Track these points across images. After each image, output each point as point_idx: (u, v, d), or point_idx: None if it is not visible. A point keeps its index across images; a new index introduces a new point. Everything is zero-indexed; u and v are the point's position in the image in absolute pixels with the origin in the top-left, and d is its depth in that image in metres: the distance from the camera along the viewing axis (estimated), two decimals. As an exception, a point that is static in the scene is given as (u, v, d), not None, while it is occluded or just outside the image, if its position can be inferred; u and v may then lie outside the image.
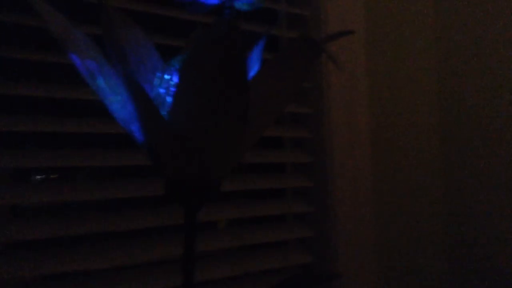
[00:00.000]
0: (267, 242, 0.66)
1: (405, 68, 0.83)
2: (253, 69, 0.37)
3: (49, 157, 0.52)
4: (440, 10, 0.87)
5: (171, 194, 0.32)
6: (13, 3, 0.52)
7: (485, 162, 0.81)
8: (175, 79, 0.32)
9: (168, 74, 0.33)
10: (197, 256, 0.35)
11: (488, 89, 0.81)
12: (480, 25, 0.82)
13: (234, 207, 0.65)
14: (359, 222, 0.72)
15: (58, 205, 0.63)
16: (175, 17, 0.60)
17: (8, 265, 0.49)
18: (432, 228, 0.84)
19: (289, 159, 0.72)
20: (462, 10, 0.85)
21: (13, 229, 0.50)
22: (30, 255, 0.51)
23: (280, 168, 0.74)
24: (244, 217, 0.67)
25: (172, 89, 0.32)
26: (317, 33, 0.70)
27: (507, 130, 0.78)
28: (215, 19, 0.26)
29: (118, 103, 0.33)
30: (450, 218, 0.85)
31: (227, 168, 0.33)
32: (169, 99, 0.32)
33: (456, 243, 0.84)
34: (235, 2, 0.34)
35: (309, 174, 0.72)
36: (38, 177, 0.65)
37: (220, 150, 0.30)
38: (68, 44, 0.30)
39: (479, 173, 0.81)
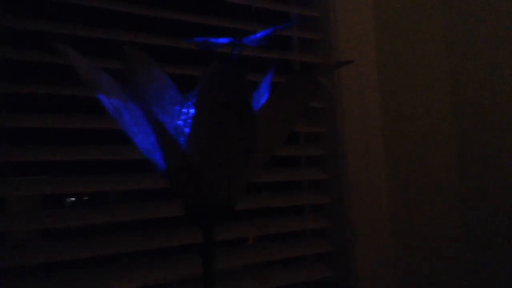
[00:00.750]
0: (286, 257, 0.69)
1: (416, 82, 0.85)
2: (264, 96, 0.41)
3: (80, 183, 0.57)
4: (449, 18, 0.89)
5: (189, 216, 0.36)
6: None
7: (498, 155, 0.82)
8: (192, 112, 0.36)
9: (185, 108, 0.36)
10: (220, 273, 0.38)
11: (498, 83, 0.82)
12: (489, 24, 0.84)
13: (253, 225, 0.68)
14: (377, 236, 0.73)
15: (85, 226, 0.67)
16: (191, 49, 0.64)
17: (39, 286, 0.53)
18: (451, 235, 0.85)
19: (305, 176, 0.75)
20: (471, 13, 0.87)
21: (45, 250, 0.54)
22: (60, 275, 0.55)
23: (296, 185, 0.77)
24: (263, 234, 0.70)
25: (189, 121, 0.36)
26: (328, 56, 0.73)
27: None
28: (224, 60, 0.30)
29: (142, 135, 0.37)
30: (466, 217, 0.86)
31: (238, 191, 0.36)
32: (187, 130, 0.36)
33: (475, 251, 0.85)
34: (244, 40, 0.38)
35: (325, 190, 0.74)
36: (69, 199, 0.69)
37: (232, 175, 0.34)
38: (95, 86, 0.34)
39: (494, 175, 0.82)
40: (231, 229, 0.65)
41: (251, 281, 0.65)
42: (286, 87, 0.35)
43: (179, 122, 0.36)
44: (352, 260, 0.71)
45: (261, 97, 0.41)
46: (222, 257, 0.62)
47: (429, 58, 0.88)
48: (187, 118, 0.36)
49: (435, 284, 0.82)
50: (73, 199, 0.69)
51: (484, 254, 0.84)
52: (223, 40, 0.37)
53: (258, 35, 0.38)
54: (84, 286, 0.54)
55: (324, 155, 0.75)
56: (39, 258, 0.53)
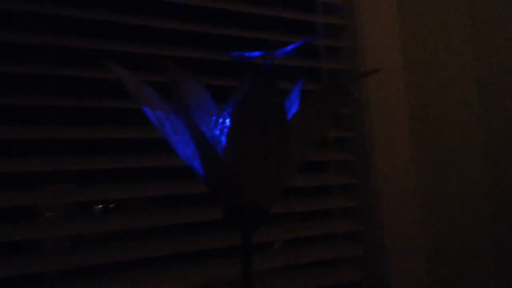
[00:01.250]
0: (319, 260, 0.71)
1: (443, 87, 0.86)
2: (294, 106, 0.43)
3: (113, 189, 0.60)
4: (476, 21, 0.90)
5: (228, 220, 0.38)
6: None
7: None
8: (228, 122, 0.38)
9: (221, 118, 0.39)
10: (254, 275, 0.40)
11: None
12: None
13: (282, 229, 0.70)
14: (408, 240, 0.74)
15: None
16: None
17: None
18: (483, 240, 0.85)
19: (334, 181, 0.76)
20: (498, 15, 0.87)
21: (77, 255, 0.57)
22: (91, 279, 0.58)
23: (326, 190, 0.79)
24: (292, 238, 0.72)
25: (226, 130, 0.38)
26: (354, 63, 0.75)
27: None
28: (257, 72, 0.32)
29: (182, 143, 0.39)
30: (497, 222, 0.85)
31: (273, 196, 0.38)
32: (223, 138, 0.38)
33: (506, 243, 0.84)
34: (275, 53, 0.40)
35: (354, 195, 0.76)
36: (98, 207, 0.72)
37: (266, 181, 0.36)
38: (141, 99, 0.37)
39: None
40: (264, 233, 0.68)
41: (282, 282, 0.67)
42: (317, 96, 0.37)
43: (216, 131, 0.39)
44: (382, 264, 0.72)
45: (292, 105, 0.43)
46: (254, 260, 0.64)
47: (456, 63, 0.88)
48: (223, 128, 0.39)
49: (466, 274, 0.81)
50: (101, 206, 0.72)
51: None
52: (256, 54, 0.39)
53: (289, 47, 0.41)
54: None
55: (352, 160, 0.76)
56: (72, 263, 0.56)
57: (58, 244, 0.63)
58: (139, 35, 0.66)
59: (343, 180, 0.76)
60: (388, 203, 0.74)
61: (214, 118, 0.40)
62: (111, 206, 0.72)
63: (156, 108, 0.38)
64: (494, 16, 0.88)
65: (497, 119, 0.87)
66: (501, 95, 0.87)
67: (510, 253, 0.84)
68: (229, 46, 0.71)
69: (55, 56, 0.61)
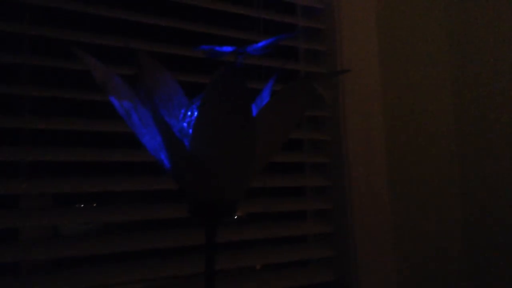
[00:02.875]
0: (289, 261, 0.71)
1: (419, 91, 0.87)
2: (265, 101, 0.43)
3: (87, 183, 0.59)
4: (451, 28, 0.91)
5: (193, 212, 0.38)
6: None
7: (501, 158, 0.83)
8: (195, 114, 0.38)
9: (189, 110, 0.39)
10: (221, 274, 0.39)
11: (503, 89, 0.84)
12: (491, 27, 0.86)
13: (257, 229, 0.70)
14: (378, 241, 0.75)
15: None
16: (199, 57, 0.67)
17: (51, 280, 0.56)
18: (453, 240, 0.86)
19: (309, 183, 0.77)
20: (474, 15, 0.89)
21: (57, 246, 0.57)
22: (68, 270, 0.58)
23: (300, 191, 0.79)
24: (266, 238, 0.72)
25: (193, 123, 0.38)
26: (333, 67, 0.76)
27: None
28: (226, 66, 0.32)
29: (149, 135, 0.39)
30: (468, 223, 0.87)
31: (240, 191, 0.38)
32: (191, 131, 0.38)
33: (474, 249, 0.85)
34: (247, 49, 0.40)
35: (327, 196, 0.76)
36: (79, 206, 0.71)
37: (233, 174, 0.36)
38: (108, 88, 0.37)
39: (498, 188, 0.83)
40: (235, 235, 0.68)
41: (252, 284, 0.67)
42: (284, 92, 0.37)
43: (184, 124, 0.39)
44: (353, 265, 0.73)
45: (263, 102, 0.44)
46: (225, 258, 0.64)
47: (432, 67, 0.90)
48: (191, 121, 0.39)
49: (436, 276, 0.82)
50: (82, 205, 0.71)
51: (484, 259, 0.85)
52: (227, 49, 0.39)
53: (261, 44, 0.41)
54: (87, 280, 0.57)
55: (327, 163, 0.77)
56: (49, 254, 0.56)
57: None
58: (112, 28, 0.66)
59: (318, 182, 0.76)
60: (360, 204, 0.74)
61: (183, 110, 0.40)
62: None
63: (123, 99, 0.38)
64: (470, 17, 0.90)
65: (472, 129, 0.88)
66: (476, 98, 0.88)
67: (479, 255, 0.85)
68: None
69: (28, 46, 0.60)
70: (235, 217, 0.78)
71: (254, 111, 0.41)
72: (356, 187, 0.74)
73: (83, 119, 0.61)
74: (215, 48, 0.40)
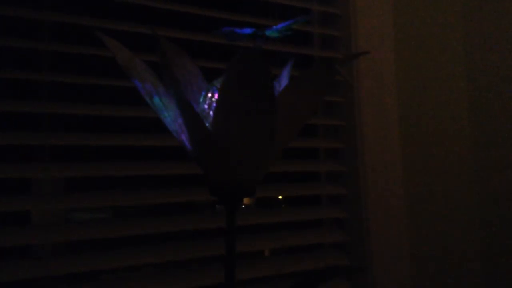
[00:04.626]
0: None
1: (434, 78, 0.87)
2: (283, 85, 0.44)
3: (112, 167, 0.61)
4: (468, 17, 0.90)
5: (213, 193, 0.39)
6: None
7: None
8: (216, 97, 0.39)
9: (210, 92, 0.39)
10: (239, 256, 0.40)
11: None
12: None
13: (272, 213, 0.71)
14: (393, 228, 0.75)
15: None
16: (218, 43, 0.68)
17: (62, 263, 0.57)
18: (467, 229, 0.86)
19: (323, 168, 0.77)
20: (490, 11, 0.88)
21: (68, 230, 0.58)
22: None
23: (314, 177, 0.80)
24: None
25: (214, 105, 0.39)
26: (348, 51, 0.76)
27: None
28: (245, 47, 0.33)
29: (170, 117, 0.40)
30: (483, 211, 0.87)
31: (259, 173, 0.39)
32: (211, 113, 0.39)
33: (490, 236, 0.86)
34: (266, 31, 0.41)
35: (342, 182, 0.77)
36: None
37: (253, 156, 0.37)
38: (132, 72, 0.37)
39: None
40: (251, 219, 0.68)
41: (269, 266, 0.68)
42: (305, 75, 0.38)
43: (205, 105, 0.40)
44: (367, 251, 0.73)
45: (281, 85, 0.44)
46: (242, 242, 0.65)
47: (447, 54, 0.89)
48: (211, 103, 0.39)
49: (448, 282, 0.83)
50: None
51: (500, 251, 0.85)
52: (247, 30, 0.40)
53: (279, 25, 0.41)
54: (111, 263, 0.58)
55: (342, 148, 0.77)
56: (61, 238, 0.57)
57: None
58: (131, 15, 0.67)
59: (333, 167, 0.77)
60: (375, 191, 0.75)
61: (203, 93, 0.40)
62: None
63: (145, 81, 0.38)
64: (486, 14, 0.89)
65: (487, 116, 0.88)
66: (491, 90, 0.88)
67: (495, 238, 0.85)
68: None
69: (48, 32, 0.62)
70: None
71: (273, 94, 0.41)
72: (371, 173, 0.75)
73: (99, 105, 0.62)
74: (235, 30, 0.40)
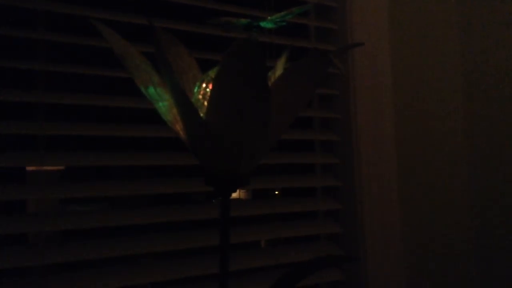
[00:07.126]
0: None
1: (429, 72, 0.87)
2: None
3: (107, 157, 0.61)
4: (464, 12, 0.91)
5: (208, 183, 0.39)
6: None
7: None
8: (210, 87, 0.39)
9: (205, 83, 0.40)
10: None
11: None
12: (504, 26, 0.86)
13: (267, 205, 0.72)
14: (386, 219, 0.76)
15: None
16: (214, 34, 0.68)
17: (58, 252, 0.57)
18: (461, 224, 0.87)
19: (319, 160, 0.78)
20: (485, 10, 0.88)
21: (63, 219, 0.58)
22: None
23: (310, 170, 0.80)
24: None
25: (209, 95, 0.39)
26: (344, 44, 0.76)
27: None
28: (241, 37, 0.33)
29: (165, 107, 0.40)
30: (476, 213, 0.87)
31: (253, 163, 0.39)
32: (206, 103, 0.39)
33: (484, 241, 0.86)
34: (260, 22, 0.41)
35: (337, 174, 0.77)
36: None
37: (247, 146, 0.37)
38: (127, 61, 0.38)
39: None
40: (247, 211, 0.69)
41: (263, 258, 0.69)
42: (298, 65, 0.38)
43: (199, 96, 0.40)
44: (361, 242, 0.74)
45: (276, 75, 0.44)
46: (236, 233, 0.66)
47: (443, 47, 0.89)
48: (206, 93, 0.40)
49: (443, 280, 0.84)
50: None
51: (491, 252, 0.86)
52: (242, 22, 0.40)
53: (274, 16, 0.41)
54: (104, 252, 0.59)
55: (337, 141, 0.78)
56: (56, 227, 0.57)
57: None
58: (127, 7, 0.67)
59: (328, 160, 0.77)
60: (369, 184, 0.75)
61: (198, 83, 0.40)
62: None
63: (141, 71, 0.39)
64: (482, 8, 0.89)
65: (482, 105, 0.88)
66: (487, 81, 0.88)
67: (489, 240, 0.86)
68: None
69: (45, 21, 0.61)
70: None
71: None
72: (365, 166, 0.75)
73: (94, 95, 0.62)
74: (231, 21, 0.41)
